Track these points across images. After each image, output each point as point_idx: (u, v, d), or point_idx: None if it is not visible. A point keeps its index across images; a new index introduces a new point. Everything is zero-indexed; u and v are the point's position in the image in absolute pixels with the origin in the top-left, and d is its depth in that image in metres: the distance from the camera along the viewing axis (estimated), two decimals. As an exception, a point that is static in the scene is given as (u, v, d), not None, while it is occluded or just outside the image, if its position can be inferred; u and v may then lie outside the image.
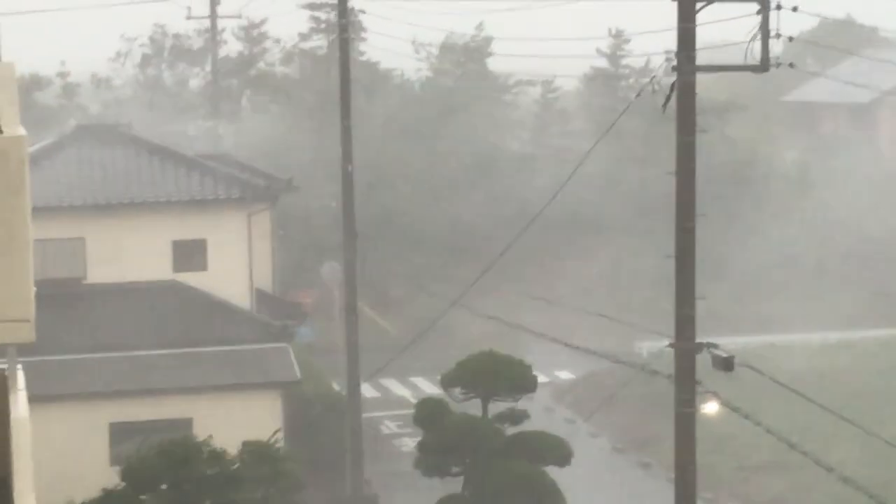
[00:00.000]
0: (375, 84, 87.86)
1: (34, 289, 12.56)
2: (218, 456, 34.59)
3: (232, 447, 35.01)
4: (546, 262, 70.67)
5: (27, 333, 12.48)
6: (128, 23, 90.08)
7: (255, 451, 35.56)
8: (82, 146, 52.73)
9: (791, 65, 28.30)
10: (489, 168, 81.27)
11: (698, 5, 25.54)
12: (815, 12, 33.82)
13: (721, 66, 28.76)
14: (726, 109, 73.53)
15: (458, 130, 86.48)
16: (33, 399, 18.35)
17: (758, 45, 25.55)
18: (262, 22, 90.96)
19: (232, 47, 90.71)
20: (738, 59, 26.23)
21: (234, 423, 40.07)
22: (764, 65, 25.58)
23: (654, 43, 36.81)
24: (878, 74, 79.08)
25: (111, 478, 34.94)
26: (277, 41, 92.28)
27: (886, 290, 69.50)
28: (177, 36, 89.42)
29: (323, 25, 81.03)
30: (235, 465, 34.95)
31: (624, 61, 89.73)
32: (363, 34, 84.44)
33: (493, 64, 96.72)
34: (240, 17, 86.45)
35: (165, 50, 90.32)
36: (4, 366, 16.61)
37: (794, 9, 26.20)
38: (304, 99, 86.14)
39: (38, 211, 17.32)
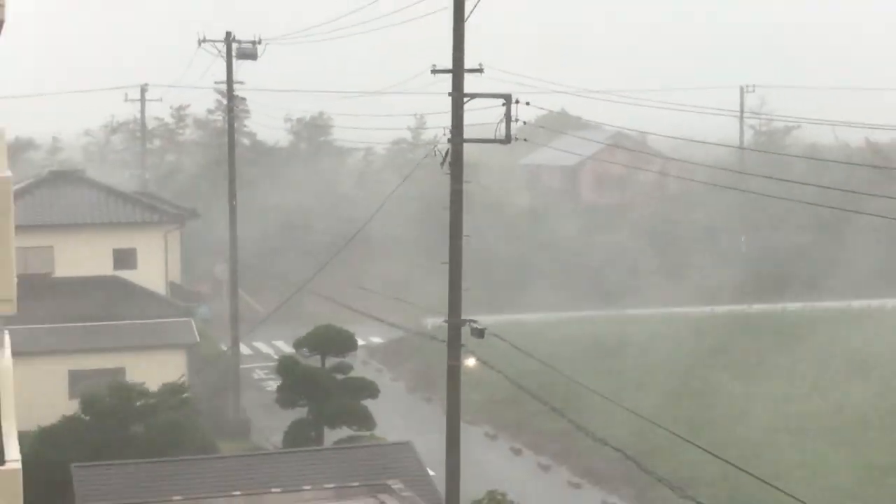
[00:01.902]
0: (255, 147, 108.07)
1: (16, 279, 13.99)
2: (144, 392, 40.92)
3: (153, 387, 41.74)
4: (366, 265, 79.92)
5: (10, 308, 14.13)
6: (94, 106, 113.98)
7: (169, 389, 42.29)
8: (53, 185, 62.88)
9: (525, 139, 34.69)
10: (327, 201, 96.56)
11: (465, 99, 30.92)
12: (541, 106, 36.07)
13: (479, 139, 32.06)
14: (479, 166, 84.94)
15: (308, 179, 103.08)
16: (15, 354, 19.58)
17: (503, 126, 31.04)
18: (182, 106, 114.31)
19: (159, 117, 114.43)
20: (491, 134, 31.28)
21: (154, 372, 45.22)
22: (507, 139, 31.17)
23: (442, 121, 32.72)
24: (579, 146, 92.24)
25: (70, 408, 41.29)
26: (186, 115, 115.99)
27: (592, 285, 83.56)
28: (118, 122, 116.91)
29: (223, 105, 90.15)
30: (154, 399, 41.01)
31: (422, 137, 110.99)
32: (247, 112, 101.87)
33: (336, 133, 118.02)
34: (161, 100, 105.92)
35: (113, 127, 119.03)
36: None
37: (527, 103, 31.49)
38: (208, 155, 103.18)
39: (20, 227, 19.69)
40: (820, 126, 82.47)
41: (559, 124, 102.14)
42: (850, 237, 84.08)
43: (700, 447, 31.63)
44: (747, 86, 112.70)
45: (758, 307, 79.08)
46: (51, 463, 33.84)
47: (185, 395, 43.34)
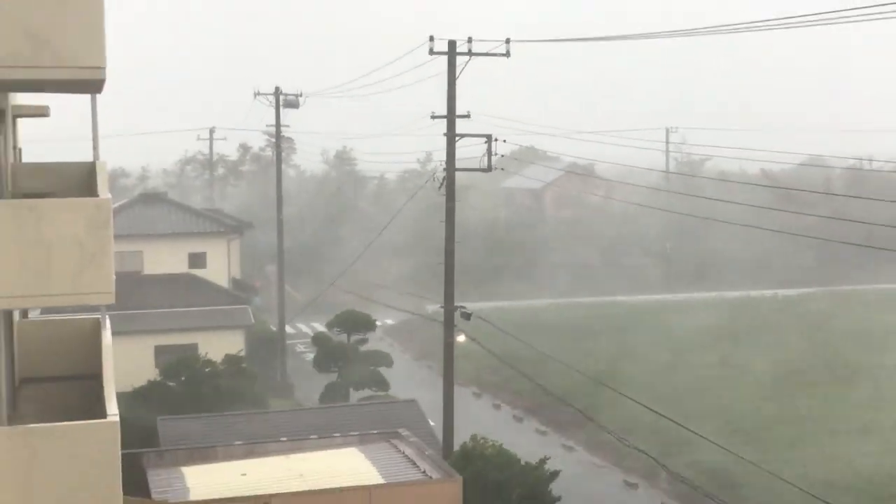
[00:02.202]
0: (299, 176, 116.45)
1: (114, 276, 13.82)
2: (211, 362, 42.08)
3: (218, 358, 42.96)
4: (381, 264, 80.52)
5: (110, 299, 13.86)
6: (173, 143, 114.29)
7: (230, 360, 43.38)
8: (142, 204, 63.98)
9: (503, 169, 34.69)
10: (351, 218, 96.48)
11: (457, 139, 31.29)
12: (515, 142, 37.47)
13: (467, 168, 32.14)
14: (468, 188, 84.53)
15: (337, 200, 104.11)
16: (114, 333, 19.09)
17: (486, 158, 31.44)
18: (244, 145, 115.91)
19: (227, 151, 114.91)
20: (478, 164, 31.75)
21: (220, 346, 45.41)
22: (489, 168, 31.54)
23: (442, 155, 31.79)
24: (544, 173, 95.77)
25: (155, 375, 42.56)
26: (249, 149, 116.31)
27: (551, 280, 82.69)
28: (190, 156, 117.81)
29: (272, 143, 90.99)
30: (219, 367, 42.07)
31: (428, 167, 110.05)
32: (293, 149, 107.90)
33: (360, 165, 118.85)
34: (225, 139, 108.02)
35: (186, 160, 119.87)
36: (99, 315, 19.22)
37: (504, 140, 32.13)
38: (261, 182, 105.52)
39: (118, 237, 19.25)
40: (728, 160, 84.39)
41: (529, 157, 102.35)
42: (755, 242, 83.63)
43: (631, 399, 31.98)
44: (671, 127, 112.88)
45: (681, 296, 79.64)
46: (140, 417, 33.98)
47: (242, 364, 43.60)
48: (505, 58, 30.82)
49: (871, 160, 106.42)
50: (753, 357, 55.65)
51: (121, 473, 13.92)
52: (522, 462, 26.96)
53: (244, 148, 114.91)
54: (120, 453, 13.93)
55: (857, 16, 21.83)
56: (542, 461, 27.09)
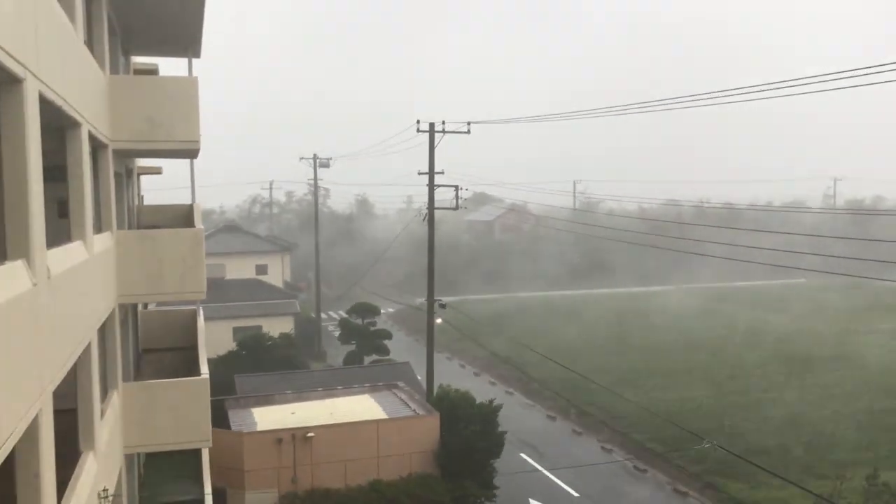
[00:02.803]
0: (328, 214, 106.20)
1: (206, 280, 13.55)
2: (272, 338, 41.64)
3: (276, 335, 42.54)
4: (385, 272, 76.88)
5: (202, 296, 13.64)
6: (243, 191, 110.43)
7: (284, 336, 43.00)
8: (224, 232, 63.79)
9: (466, 207, 34.53)
10: (360, 243, 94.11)
11: (436, 187, 30.33)
12: (474, 190, 39.52)
13: (442, 207, 31.17)
14: (443, 221, 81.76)
15: (357, 230, 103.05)
16: (206, 319, 19.45)
17: (455, 200, 30.84)
18: (289, 193, 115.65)
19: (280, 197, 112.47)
20: (450, 204, 30.96)
21: (277, 327, 45.24)
22: (457, 207, 30.82)
23: (420, 198, 32.92)
24: (494, 210, 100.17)
25: (232, 346, 42.21)
26: (293, 195, 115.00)
27: (499, 280, 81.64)
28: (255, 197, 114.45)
29: (311, 191, 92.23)
30: (277, 342, 41.51)
31: (414, 205, 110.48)
32: (328, 194, 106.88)
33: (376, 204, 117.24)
34: (280, 188, 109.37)
35: (253, 201, 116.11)
36: (195, 307, 19.25)
37: (467, 189, 31.45)
38: (303, 219, 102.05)
39: (208, 254, 19.40)
40: (618, 200, 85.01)
41: (483, 199, 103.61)
42: (641, 258, 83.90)
43: (548, 357, 32.40)
44: (578, 180, 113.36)
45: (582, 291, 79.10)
46: (223, 375, 33.71)
47: (292, 339, 43.34)
48: (467, 134, 30.49)
49: (709, 202, 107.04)
50: (633, 332, 55.72)
51: (210, 413, 13.88)
52: (478, 402, 26.81)
53: (289, 195, 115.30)
54: (209, 400, 13.88)
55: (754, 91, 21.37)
56: (491, 401, 27.05)
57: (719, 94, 20.56)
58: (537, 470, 30.66)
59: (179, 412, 13.32)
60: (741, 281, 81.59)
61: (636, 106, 29.46)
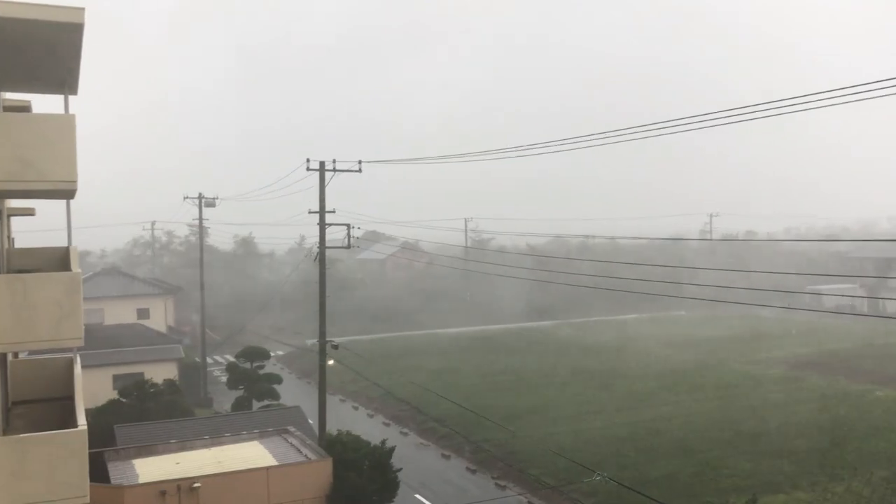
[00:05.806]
0: (213, 254, 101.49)
1: (83, 326, 13.30)
2: (155, 385, 40.06)
3: (159, 381, 41.37)
4: (274, 314, 77.68)
5: (80, 342, 13.27)
6: (123, 232, 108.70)
7: (167, 383, 41.36)
8: (103, 275, 63.03)
9: (358, 246, 33.31)
10: (249, 284, 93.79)
11: (327, 226, 30.21)
12: (366, 228, 37.90)
13: (334, 246, 30.88)
14: (335, 260, 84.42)
15: (244, 269, 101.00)
16: (82, 367, 19.52)
17: (346, 239, 30.49)
18: (169, 232, 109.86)
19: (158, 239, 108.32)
20: (341, 243, 30.68)
21: (160, 373, 44.57)
22: (349, 246, 30.75)
23: (312, 238, 31.81)
24: (386, 249, 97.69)
25: (112, 395, 41.19)
26: (175, 236, 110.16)
27: (391, 319, 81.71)
28: (136, 239, 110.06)
29: (196, 231, 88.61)
30: (160, 388, 39.97)
31: (306, 244, 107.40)
32: (209, 232, 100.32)
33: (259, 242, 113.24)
34: (161, 229, 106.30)
35: (134, 243, 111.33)
36: (72, 354, 18.71)
37: (358, 227, 31.10)
38: (188, 258, 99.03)
39: (86, 298, 19.05)
40: (509, 237, 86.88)
41: (375, 237, 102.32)
42: (521, 290, 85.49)
43: (444, 397, 32.61)
44: (469, 217, 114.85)
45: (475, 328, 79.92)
46: (102, 426, 32.73)
47: (176, 385, 42.03)
48: (358, 172, 30.40)
49: (594, 236, 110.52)
50: (522, 366, 56.55)
51: (88, 467, 13.44)
52: (371, 444, 26.66)
53: (170, 235, 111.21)
54: (87, 452, 13.46)
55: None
56: (383, 442, 26.98)
57: (598, 136, 21.51)
58: (433, 510, 30.63)
59: (54, 467, 12.80)
60: (631, 314, 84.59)
61: (525, 148, 30.30)
